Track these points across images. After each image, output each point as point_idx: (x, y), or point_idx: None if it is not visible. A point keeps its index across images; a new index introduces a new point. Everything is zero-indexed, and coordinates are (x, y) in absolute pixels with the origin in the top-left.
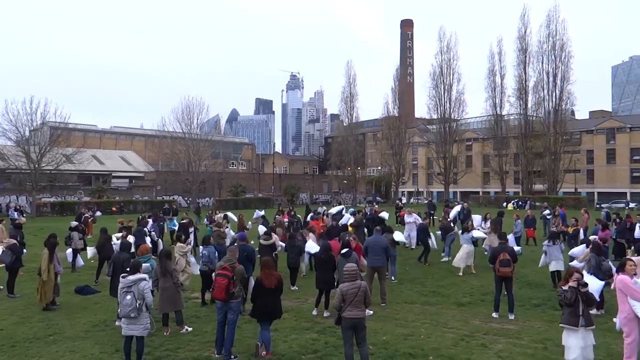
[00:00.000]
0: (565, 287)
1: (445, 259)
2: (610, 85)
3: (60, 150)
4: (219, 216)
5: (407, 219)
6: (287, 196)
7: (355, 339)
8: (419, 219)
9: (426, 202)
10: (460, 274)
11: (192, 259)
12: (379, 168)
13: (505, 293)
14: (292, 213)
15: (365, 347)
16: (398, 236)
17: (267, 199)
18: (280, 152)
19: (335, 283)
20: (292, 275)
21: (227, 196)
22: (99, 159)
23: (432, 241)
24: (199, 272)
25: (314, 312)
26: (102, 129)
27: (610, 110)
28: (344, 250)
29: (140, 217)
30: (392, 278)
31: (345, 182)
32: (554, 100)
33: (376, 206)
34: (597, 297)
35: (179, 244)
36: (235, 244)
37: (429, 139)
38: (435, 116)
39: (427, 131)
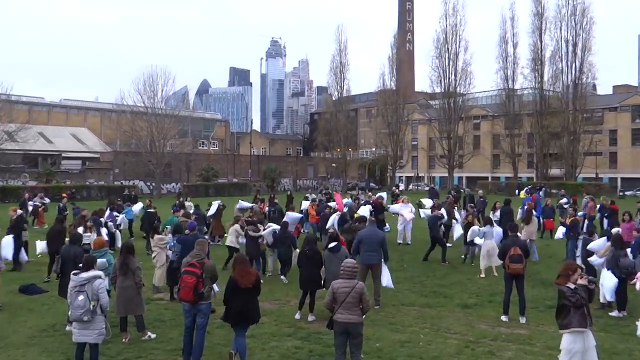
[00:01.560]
0: (572, 286)
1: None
2: (636, 56)
3: (1, 126)
4: (189, 204)
5: (400, 209)
6: (266, 181)
7: (349, 346)
8: (413, 209)
9: (427, 188)
10: (482, 275)
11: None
12: (373, 149)
13: (516, 293)
14: (274, 202)
15: (358, 356)
16: (395, 208)
17: (243, 184)
18: (258, 130)
19: (322, 282)
20: (283, 267)
21: (197, 181)
22: (47, 137)
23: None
24: None
25: (297, 316)
26: (50, 102)
27: (636, 85)
28: (331, 245)
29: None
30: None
31: (334, 165)
32: (573, 72)
33: (369, 193)
34: (609, 296)
35: (157, 235)
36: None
37: (430, 116)
38: (438, 90)
39: (428, 107)
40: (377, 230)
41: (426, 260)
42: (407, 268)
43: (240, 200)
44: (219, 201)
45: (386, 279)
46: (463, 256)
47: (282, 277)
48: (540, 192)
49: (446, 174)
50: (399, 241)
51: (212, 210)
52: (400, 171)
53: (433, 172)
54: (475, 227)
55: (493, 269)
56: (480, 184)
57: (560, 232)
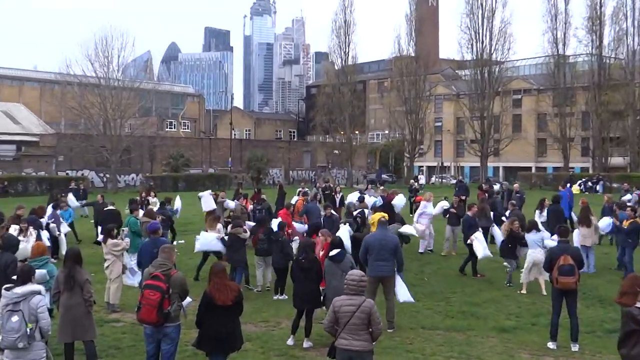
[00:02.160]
0: None
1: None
2: None
3: None
4: (154, 200)
5: (424, 209)
6: (251, 173)
7: None
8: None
9: (454, 182)
10: (524, 291)
11: (132, 262)
12: (386, 132)
13: (567, 314)
14: (261, 198)
15: None
16: (408, 229)
17: (222, 176)
18: (241, 107)
19: (322, 298)
20: (279, 280)
21: (163, 171)
22: None
23: (483, 246)
24: (137, 284)
25: (290, 342)
26: None
27: None
28: (333, 252)
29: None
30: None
31: (336, 152)
32: None
33: (381, 188)
34: None
35: (110, 240)
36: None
37: (459, 91)
38: (469, 57)
39: (456, 79)
40: (388, 234)
41: (476, 274)
42: (428, 282)
43: (206, 194)
44: (209, 191)
45: (403, 292)
46: (508, 273)
47: (277, 296)
48: (598, 186)
49: (478, 164)
50: (422, 250)
51: (177, 205)
52: (420, 160)
53: (461, 161)
54: (536, 235)
55: (541, 286)
56: (521, 177)
57: (604, 222)
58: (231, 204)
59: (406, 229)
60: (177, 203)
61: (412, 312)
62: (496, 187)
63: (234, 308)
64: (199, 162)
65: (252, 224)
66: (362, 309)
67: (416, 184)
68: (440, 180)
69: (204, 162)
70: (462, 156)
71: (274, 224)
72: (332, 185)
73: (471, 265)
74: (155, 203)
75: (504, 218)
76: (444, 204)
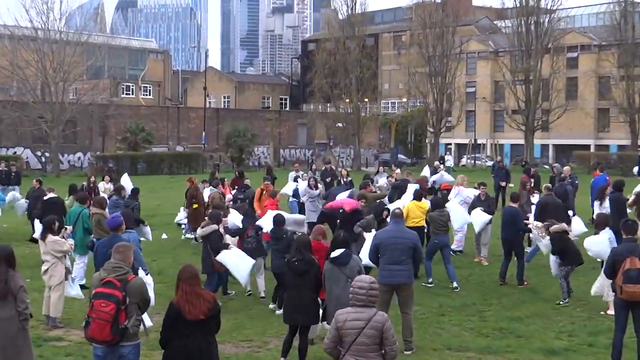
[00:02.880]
0: None
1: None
2: None
3: None
4: (108, 186)
5: (456, 196)
6: (230, 152)
7: None
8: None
9: (491, 164)
10: (610, 312)
11: (79, 265)
12: (404, 100)
13: (634, 331)
14: (243, 183)
15: None
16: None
17: (194, 155)
18: (218, 67)
19: (320, 311)
20: (279, 288)
21: (118, 150)
22: None
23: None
24: (79, 293)
25: None
26: None
27: None
28: (335, 253)
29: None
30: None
31: (340, 125)
32: None
33: (396, 171)
34: None
35: (51, 237)
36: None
37: (497, 47)
38: (510, 4)
39: (494, 32)
40: (404, 230)
41: (503, 283)
42: (456, 291)
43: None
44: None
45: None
46: (564, 287)
47: (274, 307)
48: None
49: (521, 141)
50: (456, 248)
51: (125, 183)
52: (448, 136)
53: (500, 137)
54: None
55: (609, 305)
56: (576, 157)
57: None
58: (205, 191)
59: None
60: (125, 181)
61: (435, 328)
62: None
63: (208, 323)
64: (164, 137)
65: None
66: (373, 325)
67: (442, 165)
68: (472, 161)
69: (170, 137)
70: (501, 131)
71: (267, 219)
72: (334, 168)
73: (517, 270)
74: (108, 190)
75: (571, 212)
76: (476, 193)
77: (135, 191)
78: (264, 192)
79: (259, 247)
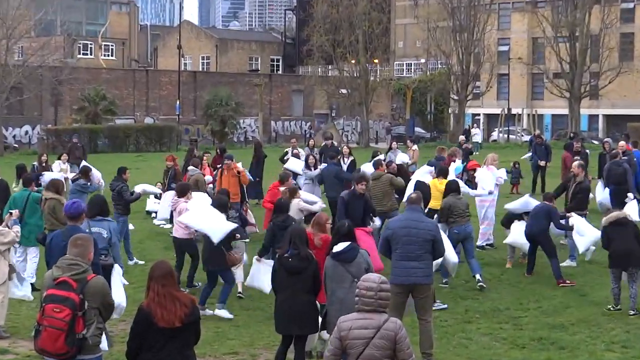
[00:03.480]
0: None
1: (570, 263)
2: None
3: None
4: (64, 166)
5: (483, 178)
6: (210, 124)
7: None
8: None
9: (528, 139)
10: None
11: (29, 262)
12: (422, 61)
13: None
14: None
15: None
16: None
17: (166, 129)
18: (196, 22)
19: (319, 317)
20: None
21: (73, 122)
22: None
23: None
24: (28, 294)
25: None
26: None
27: None
28: (338, 247)
29: None
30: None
31: (344, 92)
32: None
33: (414, 147)
34: None
35: None
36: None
37: None
38: None
39: None
40: (421, 218)
41: (562, 281)
42: (486, 293)
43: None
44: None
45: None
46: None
47: None
48: None
49: (565, 111)
50: (481, 243)
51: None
52: (476, 104)
53: (539, 106)
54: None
55: None
56: (632, 130)
57: None
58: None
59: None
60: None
61: (460, 339)
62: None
63: (185, 332)
64: (130, 107)
65: None
66: (384, 334)
67: (467, 141)
68: (505, 135)
69: (137, 107)
70: (541, 99)
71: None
72: (336, 144)
73: (553, 269)
74: (65, 171)
75: (630, 195)
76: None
77: (121, 171)
78: (224, 174)
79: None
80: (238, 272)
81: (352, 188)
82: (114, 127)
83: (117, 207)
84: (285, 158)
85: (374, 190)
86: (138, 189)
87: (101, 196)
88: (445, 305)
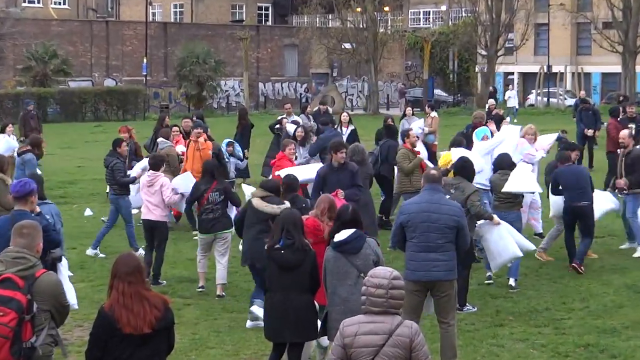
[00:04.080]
0: None
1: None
2: None
3: None
4: (10, 139)
5: (525, 154)
6: (185, 87)
7: None
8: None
9: (573, 103)
10: None
11: None
12: (442, 10)
13: None
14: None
15: None
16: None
17: (131, 93)
18: None
19: (318, 321)
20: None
21: (18, 85)
22: None
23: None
24: None
25: None
26: None
27: None
28: (340, 235)
29: None
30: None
31: (347, 47)
32: None
33: (433, 114)
34: None
35: None
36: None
37: None
38: None
39: None
40: (443, 200)
41: (575, 269)
42: (521, 291)
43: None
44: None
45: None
46: None
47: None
48: None
49: (617, 68)
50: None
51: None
52: (508, 61)
53: (586, 63)
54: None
55: None
56: None
57: None
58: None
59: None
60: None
61: (490, 346)
62: None
63: (155, 340)
64: (87, 66)
65: None
66: (396, 341)
67: (499, 107)
68: (545, 99)
69: (95, 67)
70: (587, 54)
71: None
72: (330, 111)
73: (580, 246)
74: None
75: None
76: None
77: (116, 144)
78: (194, 146)
79: (223, 218)
80: (221, 269)
81: (330, 159)
82: (68, 92)
83: (113, 188)
84: (276, 127)
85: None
86: (138, 167)
87: (39, 175)
88: (475, 308)
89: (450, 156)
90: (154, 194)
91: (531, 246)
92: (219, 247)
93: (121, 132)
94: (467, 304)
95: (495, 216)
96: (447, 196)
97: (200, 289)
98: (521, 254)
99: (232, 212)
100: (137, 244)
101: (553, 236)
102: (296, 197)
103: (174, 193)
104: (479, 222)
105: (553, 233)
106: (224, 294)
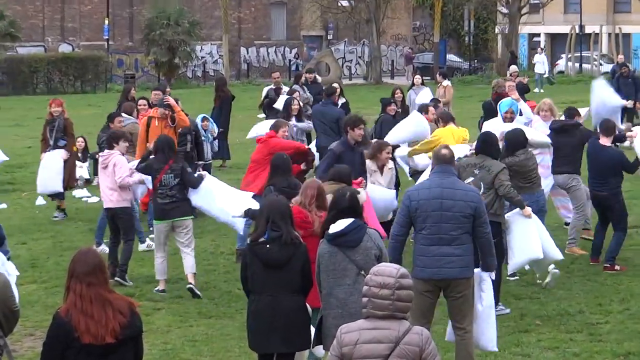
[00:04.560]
0: None
1: None
2: None
3: None
4: None
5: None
6: (154, 53)
7: None
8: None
9: (609, 69)
10: None
11: None
12: None
13: None
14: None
15: None
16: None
17: (90, 60)
18: None
19: (312, 329)
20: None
21: None
22: None
23: None
24: None
25: None
26: None
27: None
28: (337, 226)
29: None
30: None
31: (344, 5)
32: None
33: (446, 82)
34: None
35: None
36: None
37: None
38: None
39: None
40: (457, 184)
41: (595, 261)
42: (550, 291)
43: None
44: None
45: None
46: None
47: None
48: None
49: None
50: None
51: None
52: (534, 21)
53: (625, 22)
54: None
55: None
56: None
57: None
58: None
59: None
60: None
61: (514, 354)
62: None
63: (120, 351)
64: (38, 29)
65: None
66: (404, 350)
67: (518, 72)
68: (577, 65)
69: (48, 30)
70: (627, 11)
71: None
72: (319, 80)
73: (611, 244)
74: None
75: None
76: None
77: (112, 118)
78: (155, 121)
79: (182, 203)
80: (188, 259)
81: (345, 136)
82: (16, 59)
83: None
84: (264, 100)
85: None
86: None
87: None
88: (508, 310)
89: (446, 132)
90: (109, 176)
91: (559, 255)
92: (181, 237)
93: (52, 105)
94: (500, 304)
95: (527, 207)
96: (471, 178)
97: (161, 292)
98: (541, 256)
99: (192, 194)
100: (102, 238)
101: (576, 226)
102: (290, 179)
103: (130, 174)
104: (507, 215)
105: (575, 223)
106: (192, 285)
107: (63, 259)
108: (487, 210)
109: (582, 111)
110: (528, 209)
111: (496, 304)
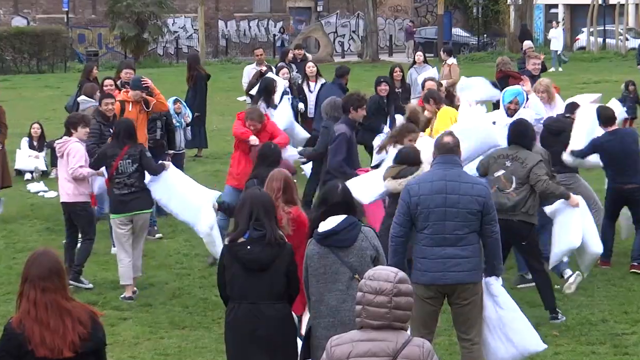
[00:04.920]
0: None
1: None
2: None
3: None
4: None
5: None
6: (120, 27)
7: None
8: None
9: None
10: None
11: None
12: None
13: None
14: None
15: None
16: None
17: (49, 36)
18: None
19: (299, 341)
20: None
21: None
22: None
23: None
24: None
25: None
26: None
27: None
28: (327, 224)
29: None
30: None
31: None
32: None
33: (451, 60)
34: None
35: None
36: None
37: None
38: None
39: None
40: (464, 176)
41: (605, 263)
42: (570, 297)
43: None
44: None
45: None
46: None
47: None
48: None
49: None
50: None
51: None
52: None
53: None
54: None
55: None
56: None
57: None
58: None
59: None
60: None
61: None
62: None
63: None
64: None
65: None
66: None
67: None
68: (600, 40)
69: (3, 7)
70: None
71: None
72: (308, 57)
73: (635, 242)
74: None
75: None
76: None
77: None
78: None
79: (142, 194)
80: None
81: (347, 117)
82: None
83: None
84: (244, 82)
85: None
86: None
87: None
88: (564, 318)
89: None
90: (65, 166)
91: (599, 249)
92: (138, 230)
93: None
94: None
95: (573, 196)
96: (502, 171)
97: (128, 300)
98: (578, 244)
99: (150, 184)
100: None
101: (598, 222)
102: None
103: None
104: (548, 209)
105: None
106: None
107: (16, 262)
108: (518, 209)
109: (593, 97)
110: (575, 198)
111: (553, 310)
